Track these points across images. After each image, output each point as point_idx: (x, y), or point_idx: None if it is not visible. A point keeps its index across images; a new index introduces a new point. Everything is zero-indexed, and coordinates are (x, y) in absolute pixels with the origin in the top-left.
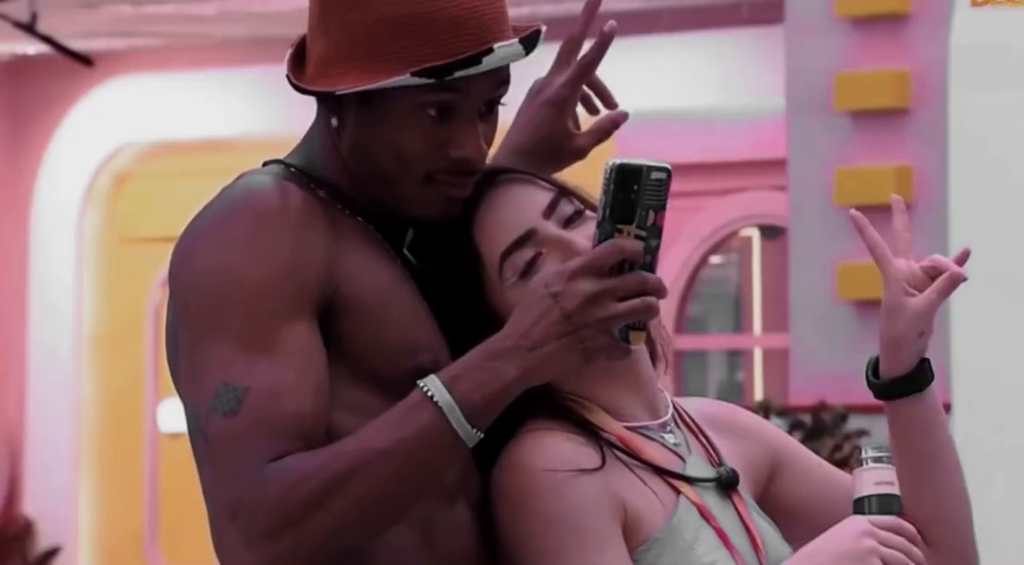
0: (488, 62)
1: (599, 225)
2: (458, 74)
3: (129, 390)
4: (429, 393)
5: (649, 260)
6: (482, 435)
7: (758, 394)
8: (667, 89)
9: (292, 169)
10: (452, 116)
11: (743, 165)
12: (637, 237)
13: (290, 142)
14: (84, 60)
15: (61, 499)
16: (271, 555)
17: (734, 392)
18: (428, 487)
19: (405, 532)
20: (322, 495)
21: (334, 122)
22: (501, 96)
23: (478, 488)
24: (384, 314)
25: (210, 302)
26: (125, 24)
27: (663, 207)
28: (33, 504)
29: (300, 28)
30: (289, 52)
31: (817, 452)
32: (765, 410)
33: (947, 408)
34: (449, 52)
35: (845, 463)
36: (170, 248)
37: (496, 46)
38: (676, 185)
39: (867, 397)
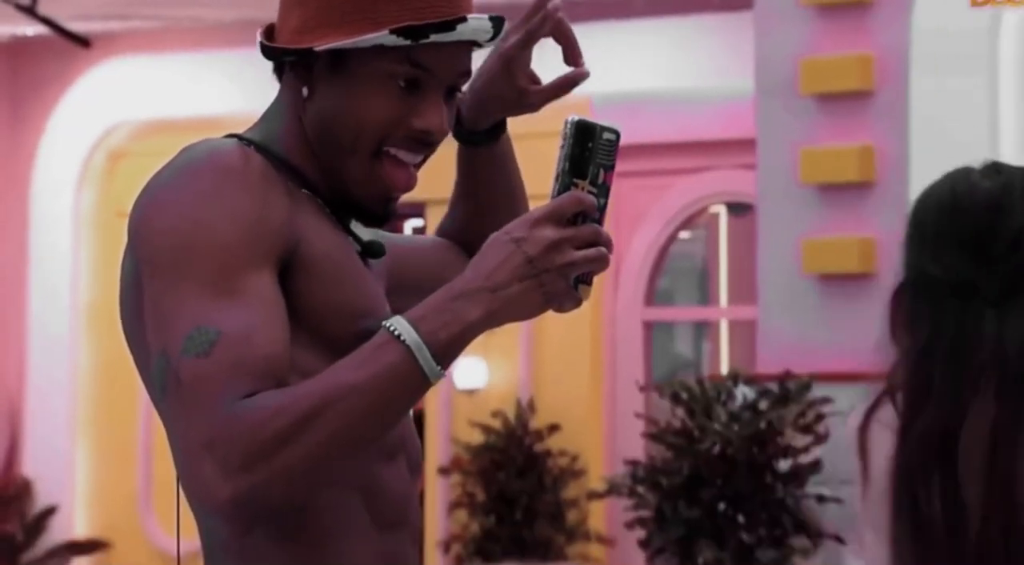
0: (461, 31)
1: (557, 177)
2: (433, 37)
3: (123, 358)
4: (396, 332)
5: (598, 216)
6: (444, 373)
7: (723, 363)
8: (641, 72)
9: (248, 143)
10: (418, 90)
11: (712, 145)
12: (589, 192)
13: None
14: (82, 41)
15: (58, 461)
16: (246, 486)
17: (700, 361)
18: (393, 422)
19: (349, 491)
20: (294, 429)
21: (305, 91)
22: (462, 84)
23: (418, 447)
24: (335, 277)
25: (179, 252)
26: (120, 7)
27: (612, 167)
28: (31, 466)
29: None
30: (260, 30)
31: (783, 418)
32: (734, 378)
33: None
34: (425, 17)
35: (810, 429)
36: None
37: (469, 16)
38: (649, 163)
39: (830, 366)
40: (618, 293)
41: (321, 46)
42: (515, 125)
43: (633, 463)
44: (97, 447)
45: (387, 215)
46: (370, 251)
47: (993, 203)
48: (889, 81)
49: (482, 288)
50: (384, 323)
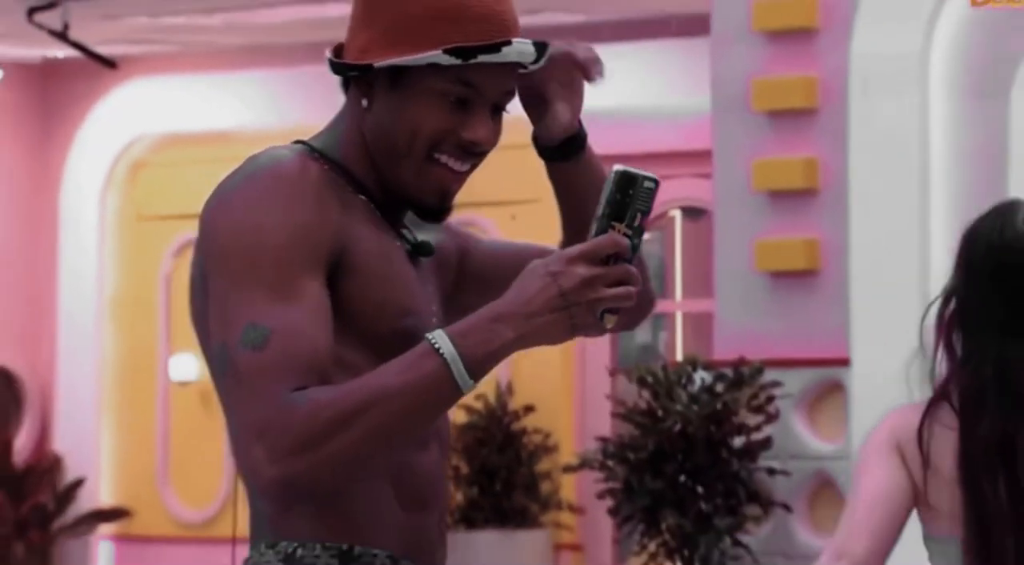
0: (507, 52)
1: (597, 219)
2: (481, 58)
3: (144, 345)
4: (436, 345)
5: (630, 256)
6: (475, 385)
7: (679, 350)
8: (608, 91)
9: (311, 149)
10: (467, 107)
11: (671, 156)
12: (625, 234)
13: (280, 134)
14: (108, 63)
15: (85, 438)
16: (291, 472)
17: (657, 349)
18: (425, 425)
19: (381, 474)
20: (338, 423)
21: (364, 103)
22: (506, 103)
23: (448, 432)
24: (380, 278)
25: (240, 255)
26: (143, 33)
27: (649, 211)
28: (61, 442)
29: (290, 38)
30: (329, 50)
31: (737, 400)
32: (693, 364)
33: (847, 363)
34: (475, 39)
35: (761, 410)
36: (179, 225)
37: (514, 40)
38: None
39: (779, 353)
40: None
41: (380, 63)
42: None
43: (603, 440)
44: (120, 425)
45: (442, 212)
46: (419, 251)
47: None
48: (831, 100)
49: (518, 314)
50: (427, 335)
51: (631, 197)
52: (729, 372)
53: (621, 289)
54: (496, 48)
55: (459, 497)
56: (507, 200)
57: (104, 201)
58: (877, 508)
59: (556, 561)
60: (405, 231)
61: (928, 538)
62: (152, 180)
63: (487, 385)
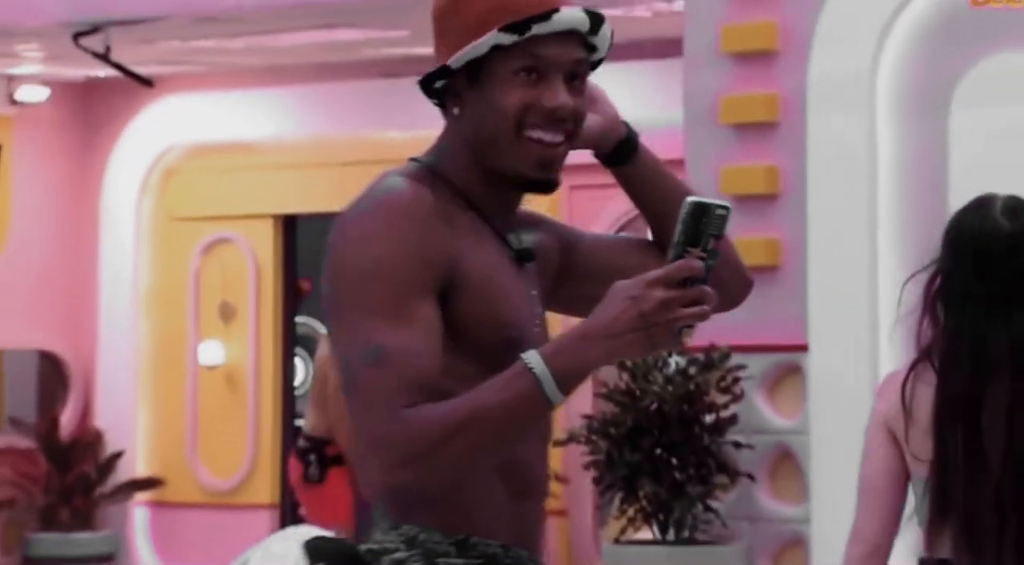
0: (558, 20)
1: (674, 246)
2: (535, 28)
3: (175, 332)
4: (530, 365)
5: (706, 275)
6: (565, 399)
7: None
8: None
9: (422, 165)
10: (540, 79)
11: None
12: (699, 257)
13: (295, 144)
14: (145, 82)
15: (123, 415)
16: (401, 481)
17: None
18: (521, 436)
19: (492, 468)
20: (444, 438)
21: (455, 111)
22: (583, 71)
23: (551, 427)
24: (487, 293)
25: (361, 280)
26: (176, 55)
27: (721, 235)
28: (102, 419)
29: (304, 59)
30: (418, 79)
31: (707, 381)
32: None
33: (805, 349)
34: (523, 14)
35: (729, 390)
36: (206, 226)
37: (562, 8)
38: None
39: (745, 340)
40: None
41: (452, 61)
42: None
43: (588, 417)
44: (154, 404)
45: (550, 184)
46: (523, 257)
47: (1012, 244)
48: (791, 115)
49: (602, 335)
50: (522, 356)
51: (704, 224)
52: (700, 357)
53: (696, 309)
54: (546, 16)
55: None
56: None
57: (140, 204)
58: (878, 490)
59: (542, 527)
60: (512, 236)
61: (913, 481)
62: (182, 185)
63: None
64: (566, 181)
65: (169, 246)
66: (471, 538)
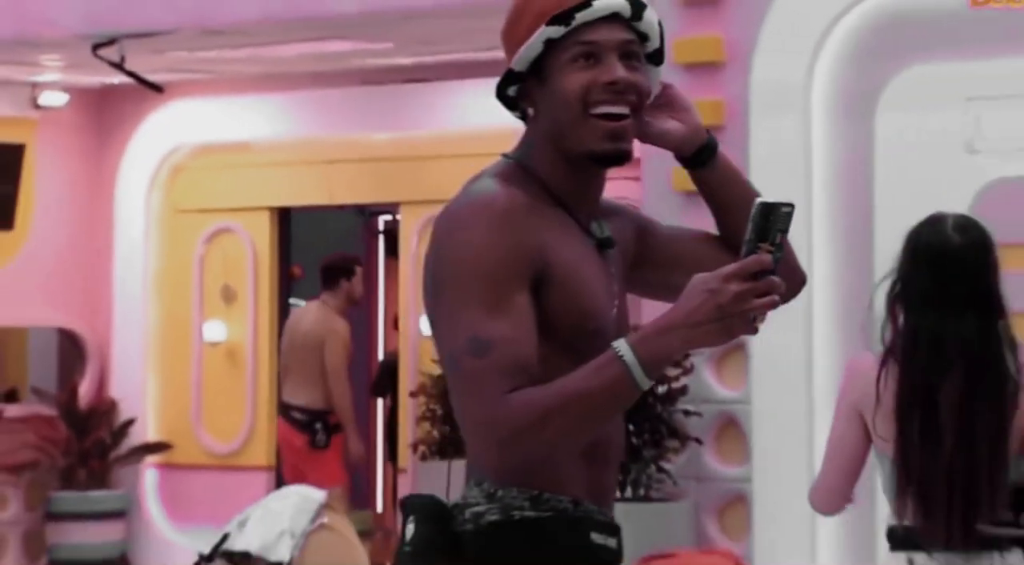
0: (598, 5)
1: (746, 242)
2: (579, 16)
3: (181, 312)
4: (620, 353)
5: (775, 267)
6: (651, 383)
7: None
8: None
9: (511, 160)
10: (595, 61)
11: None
12: (769, 251)
13: (288, 144)
14: (156, 88)
15: (135, 386)
16: (506, 456)
17: None
18: (609, 418)
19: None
20: (542, 420)
21: (530, 111)
22: (635, 51)
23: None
24: (573, 284)
25: (461, 277)
26: (183, 64)
27: (787, 230)
28: (116, 389)
29: (297, 68)
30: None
31: None
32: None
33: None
34: (565, 5)
35: (679, 364)
36: (209, 217)
37: None
38: None
39: None
40: None
41: (514, 63)
42: (460, 146)
43: None
44: (163, 375)
45: (622, 155)
46: (604, 245)
47: (960, 256)
48: (735, 119)
49: (683, 325)
50: (612, 344)
51: (771, 221)
52: None
53: (767, 299)
54: (587, 4)
55: (435, 433)
56: None
57: (149, 198)
58: (846, 453)
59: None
60: (594, 225)
61: (877, 455)
62: (188, 181)
63: None
64: None
65: (176, 235)
66: (543, 494)
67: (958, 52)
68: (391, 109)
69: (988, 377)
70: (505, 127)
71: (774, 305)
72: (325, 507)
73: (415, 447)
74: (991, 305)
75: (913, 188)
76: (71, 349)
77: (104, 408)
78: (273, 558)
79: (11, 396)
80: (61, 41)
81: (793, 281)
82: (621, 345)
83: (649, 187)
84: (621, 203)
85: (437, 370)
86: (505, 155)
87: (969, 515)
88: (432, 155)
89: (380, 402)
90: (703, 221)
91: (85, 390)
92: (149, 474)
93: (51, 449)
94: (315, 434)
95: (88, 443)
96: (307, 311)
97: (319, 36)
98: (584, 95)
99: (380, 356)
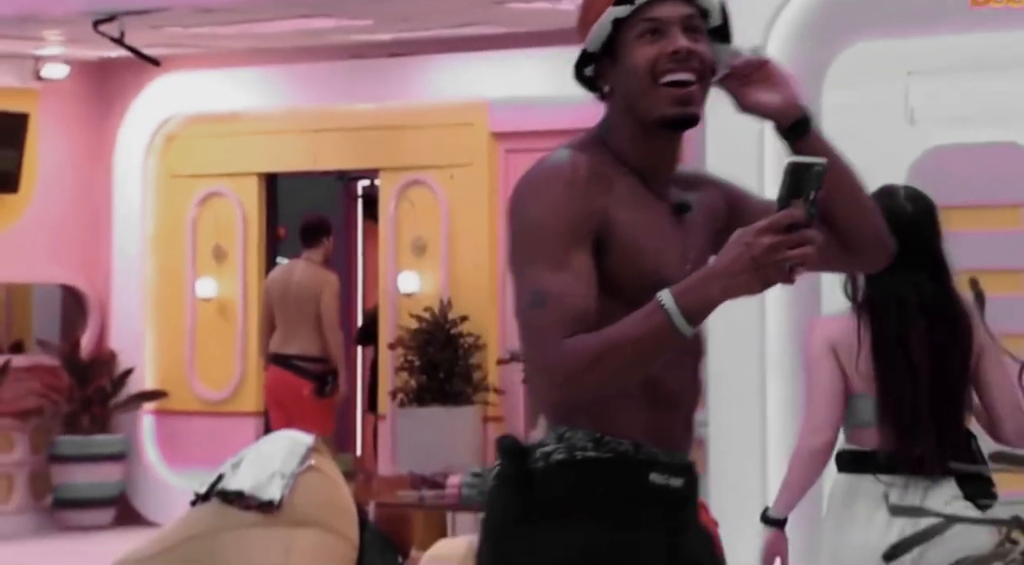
0: None
1: (778, 200)
2: None
3: (176, 270)
4: (662, 302)
5: (809, 222)
6: (693, 330)
7: None
8: (528, 83)
9: (592, 135)
10: (660, 34)
11: (575, 132)
12: (802, 207)
13: (276, 114)
14: (154, 62)
15: (133, 338)
16: (564, 396)
17: None
18: (654, 363)
19: (633, 386)
20: (592, 364)
21: (606, 89)
22: (697, 25)
23: (703, 348)
24: (636, 246)
25: (527, 237)
26: (179, 39)
27: (820, 188)
28: (116, 341)
29: (285, 43)
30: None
31: None
32: None
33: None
34: None
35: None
36: (201, 182)
37: None
38: (541, 143)
39: None
40: None
41: (586, 45)
42: (436, 117)
43: None
44: (159, 328)
45: (689, 121)
46: (680, 209)
47: (913, 222)
48: None
49: (721, 275)
50: (657, 295)
51: (804, 180)
52: None
53: (798, 250)
54: None
55: (412, 383)
56: (448, 164)
57: (146, 164)
58: (830, 394)
59: (485, 429)
60: (672, 191)
61: (851, 396)
62: (181, 148)
63: (432, 300)
64: (502, 145)
65: (170, 199)
66: (605, 436)
67: (899, 30)
68: (372, 82)
69: (948, 327)
70: (477, 100)
71: (807, 256)
72: (313, 450)
73: (394, 395)
74: (941, 265)
75: (857, 159)
76: (73, 304)
77: (104, 358)
78: (265, 497)
79: (17, 348)
80: (64, 18)
81: (874, 248)
82: (664, 295)
83: None
84: (714, 176)
85: (414, 324)
86: (587, 131)
87: (940, 442)
88: (410, 125)
89: (360, 354)
90: None
91: (86, 342)
92: (146, 420)
93: (55, 396)
94: (325, 384)
95: (89, 391)
96: (294, 267)
97: (304, 13)
98: (652, 67)
99: (359, 311)
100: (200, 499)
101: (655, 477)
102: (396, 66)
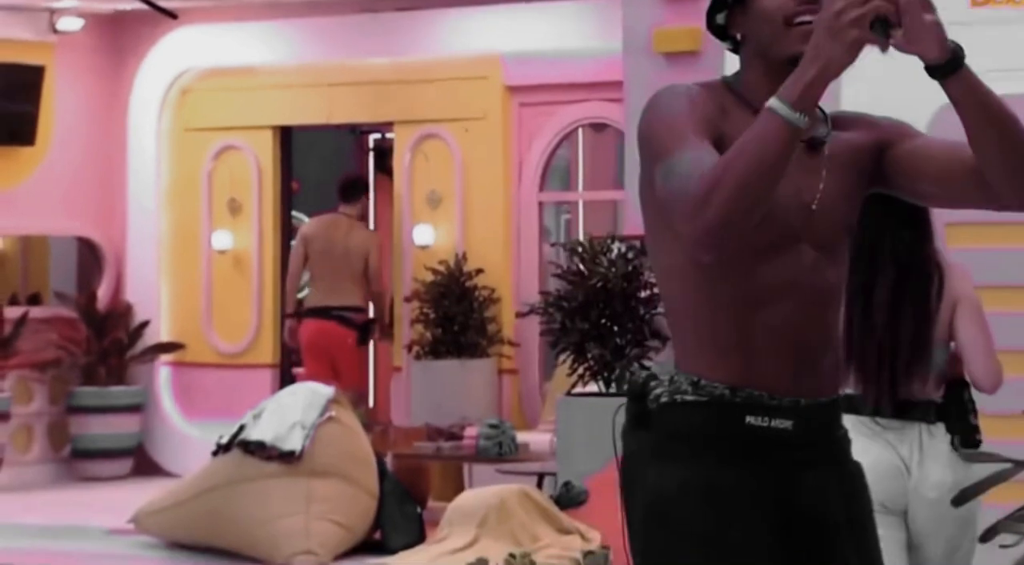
0: None
1: None
2: None
3: (191, 222)
4: (769, 104)
5: None
6: (805, 119)
7: (580, 228)
8: (540, 36)
9: (723, 79)
10: None
11: (586, 85)
12: None
13: (289, 68)
14: (171, 15)
15: (149, 290)
16: (702, 225)
17: (560, 230)
18: (780, 165)
19: (731, 331)
20: (718, 179)
21: (739, 36)
22: None
23: (818, 292)
24: None
25: (654, 134)
26: None
27: None
28: (132, 293)
29: None
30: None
31: (643, 264)
32: (612, 238)
33: None
34: None
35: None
36: (216, 135)
37: None
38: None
39: None
40: (521, 181)
41: None
42: (448, 70)
43: (544, 294)
44: (175, 280)
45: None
46: (811, 145)
47: None
48: (709, 45)
49: (809, 58)
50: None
51: None
52: (637, 243)
53: (870, 5)
54: None
55: (428, 335)
56: (462, 117)
57: (161, 117)
58: None
59: (499, 381)
60: (821, 129)
61: None
62: (196, 102)
63: (447, 253)
64: (515, 98)
65: (185, 152)
66: (701, 380)
67: None
68: (387, 35)
69: (917, 282)
70: (491, 54)
71: (880, 7)
72: (333, 402)
73: (410, 347)
74: (924, 223)
75: None
76: (89, 256)
77: (120, 310)
78: (286, 447)
79: (35, 299)
80: None
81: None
82: (772, 100)
83: (631, 106)
84: (878, 118)
85: (429, 277)
86: (724, 77)
87: (894, 384)
88: (424, 79)
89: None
90: None
91: (103, 294)
92: (163, 371)
93: (72, 348)
94: (368, 332)
95: (106, 343)
96: (337, 223)
97: None
98: (785, 11)
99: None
100: (222, 450)
101: (751, 419)
102: (410, 20)
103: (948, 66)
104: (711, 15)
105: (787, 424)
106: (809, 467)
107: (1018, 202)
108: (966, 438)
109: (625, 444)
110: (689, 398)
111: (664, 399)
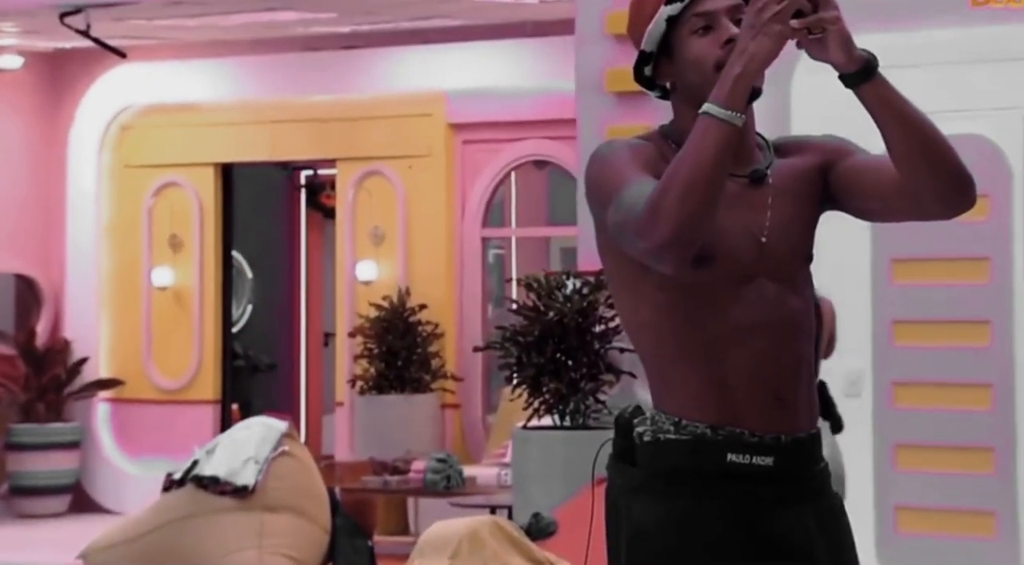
0: None
1: None
2: None
3: (131, 259)
4: (702, 110)
5: None
6: (737, 115)
7: (513, 264)
8: (485, 74)
9: (660, 128)
10: (712, 28)
11: (529, 123)
12: None
13: (233, 105)
14: (119, 53)
15: (88, 327)
16: (657, 238)
17: (497, 265)
18: (722, 162)
19: (703, 369)
20: (666, 183)
21: (668, 85)
22: (739, 16)
23: (784, 325)
24: None
25: (600, 185)
26: (141, 31)
27: None
28: (71, 330)
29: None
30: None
31: (597, 299)
32: (567, 274)
33: None
34: None
35: (614, 306)
36: (156, 172)
37: None
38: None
39: None
40: (464, 217)
41: (643, 46)
42: (392, 108)
43: (501, 328)
44: (115, 317)
45: (753, 96)
46: (751, 178)
47: None
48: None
49: (736, 55)
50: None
51: None
52: (592, 279)
53: (785, 3)
54: None
55: (372, 370)
56: (405, 154)
57: (100, 154)
58: None
59: (443, 415)
60: (761, 160)
61: None
62: (137, 138)
63: (391, 288)
64: (459, 136)
65: (126, 188)
66: (682, 420)
67: (871, 24)
68: (330, 73)
69: None
70: (435, 91)
71: (795, 3)
72: (286, 436)
73: (353, 382)
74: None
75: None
76: (28, 293)
77: (59, 347)
78: (240, 482)
79: None
80: (28, 10)
81: (955, 193)
82: (703, 106)
83: (584, 145)
84: (823, 139)
85: (372, 312)
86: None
87: None
88: (368, 116)
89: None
90: None
91: (41, 331)
92: (101, 408)
93: (11, 385)
94: None
95: (45, 379)
96: None
97: (272, 7)
98: (712, 57)
99: (303, 298)
100: (175, 485)
101: (733, 456)
102: (353, 58)
103: (859, 75)
104: (638, 68)
105: (768, 461)
106: (789, 502)
107: (939, 209)
108: (835, 425)
109: (610, 476)
110: (671, 437)
111: (647, 438)
